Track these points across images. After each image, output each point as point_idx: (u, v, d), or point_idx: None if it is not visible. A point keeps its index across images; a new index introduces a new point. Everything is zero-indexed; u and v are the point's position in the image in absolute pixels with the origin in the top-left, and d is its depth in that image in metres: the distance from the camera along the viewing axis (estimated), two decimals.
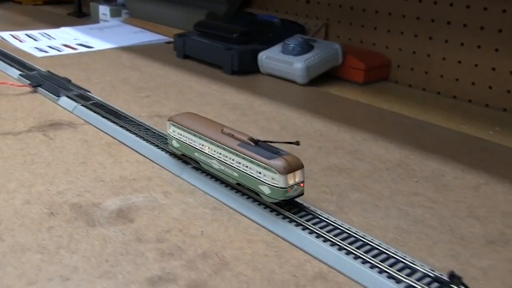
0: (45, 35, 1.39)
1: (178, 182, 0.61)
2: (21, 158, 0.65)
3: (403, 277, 0.43)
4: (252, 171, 0.51)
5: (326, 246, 0.47)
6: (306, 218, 0.51)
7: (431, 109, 0.91)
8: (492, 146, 0.75)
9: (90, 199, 0.56)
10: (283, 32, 1.12)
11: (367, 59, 1.05)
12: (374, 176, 0.64)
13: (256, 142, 0.52)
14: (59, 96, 0.85)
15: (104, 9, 1.58)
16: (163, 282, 0.43)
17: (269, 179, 0.50)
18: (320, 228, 0.49)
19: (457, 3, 0.94)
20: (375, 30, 1.09)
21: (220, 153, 0.55)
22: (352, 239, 0.48)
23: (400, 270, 0.44)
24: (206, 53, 1.13)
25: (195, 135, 0.58)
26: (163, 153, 0.65)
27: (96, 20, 1.61)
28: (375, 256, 0.46)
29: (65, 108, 0.83)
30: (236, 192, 0.56)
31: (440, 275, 0.43)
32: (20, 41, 1.31)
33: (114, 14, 1.57)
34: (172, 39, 1.25)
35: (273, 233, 0.51)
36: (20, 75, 0.97)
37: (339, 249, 0.47)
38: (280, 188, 0.49)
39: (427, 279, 0.43)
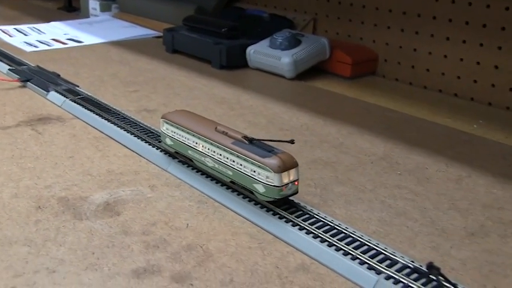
0: (35, 29, 1.39)
1: (164, 176, 0.61)
2: (9, 152, 0.66)
3: (383, 268, 0.44)
4: (246, 169, 0.51)
5: (309, 238, 0.48)
6: (290, 210, 0.52)
7: (418, 103, 0.92)
8: (476, 139, 0.76)
9: (77, 193, 0.57)
10: (272, 27, 1.12)
11: (354, 53, 1.06)
12: (358, 170, 0.65)
13: (251, 140, 0.52)
14: (48, 91, 0.86)
15: (93, 4, 1.58)
16: (148, 274, 0.44)
17: (263, 177, 0.50)
18: (303, 220, 0.50)
19: None
20: (362, 25, 1.10)
21: (214, 152, 0.54)
22: (334, 231, 0.49)
23: (380, 261, 0.45)
24: (195, 47, 1.13)
25: (188, 133, 0.57)
26: (150, 147, 0.66)
27: (86, 15, 1.61)
28: (356, 248, 0.47)
29: (53, 103, 0.83)
30: (221, 186, 0.57)
31: (420, 266, 0.44)
32: (10, 36, 1.31)
33: (104, 8, 1.57)
34: (161, 34, 1.25)
35: (257, 225, 0.52)
36: (9, 69, 0.97)
37: (321, 241, 0.48)
38: (275, 186, 0.49)
39: (407, 270, 0.44)
